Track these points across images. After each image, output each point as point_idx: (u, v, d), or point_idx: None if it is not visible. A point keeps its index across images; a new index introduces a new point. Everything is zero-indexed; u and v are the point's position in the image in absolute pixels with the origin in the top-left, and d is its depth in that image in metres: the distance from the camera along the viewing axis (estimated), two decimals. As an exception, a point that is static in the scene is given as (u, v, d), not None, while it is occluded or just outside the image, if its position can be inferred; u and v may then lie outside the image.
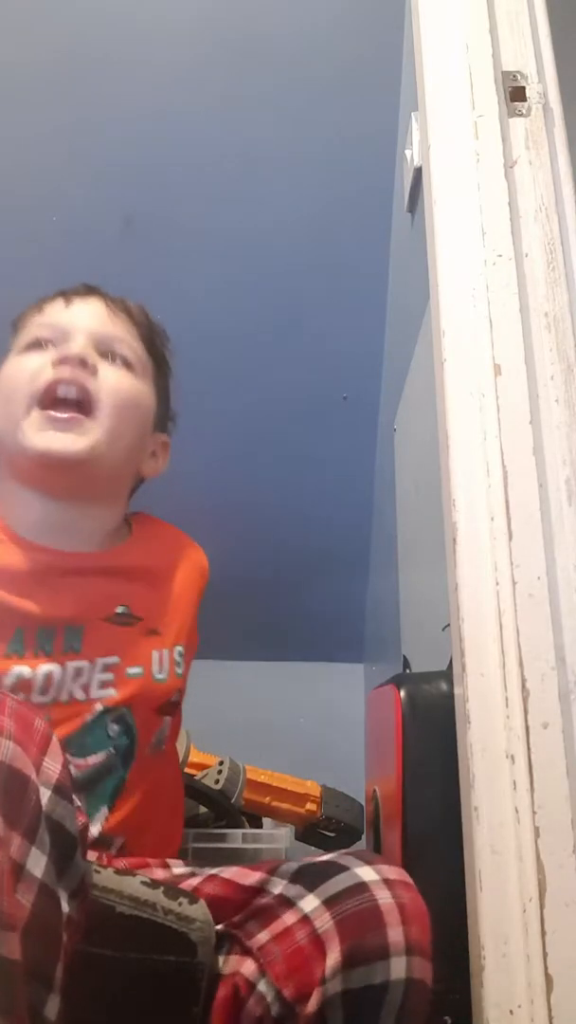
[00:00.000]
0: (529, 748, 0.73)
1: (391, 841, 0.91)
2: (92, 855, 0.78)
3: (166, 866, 0.81)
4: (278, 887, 0.69)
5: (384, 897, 0.63)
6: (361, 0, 1.51)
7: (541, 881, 0.69)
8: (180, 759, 1.23)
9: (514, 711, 0.74)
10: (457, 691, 0.80)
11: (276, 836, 1.29)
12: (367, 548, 1.95)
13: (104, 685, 0.84)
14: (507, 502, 0.81)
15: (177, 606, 0.95)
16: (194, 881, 0.76)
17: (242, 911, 0.70)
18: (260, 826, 1.36)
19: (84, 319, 0.90)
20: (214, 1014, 0.66)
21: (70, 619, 0.85)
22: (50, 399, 0.84)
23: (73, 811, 0.58)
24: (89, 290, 0.94)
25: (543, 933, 0.68)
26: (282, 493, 1.85)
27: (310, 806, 1.29)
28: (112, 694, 0.85)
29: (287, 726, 1.97)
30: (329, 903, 0.64)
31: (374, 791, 1.08)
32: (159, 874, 0.78)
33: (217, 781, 1.23)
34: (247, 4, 1.52)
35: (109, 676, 0.85)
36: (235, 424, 1.79)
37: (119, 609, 0.89)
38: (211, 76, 1.55)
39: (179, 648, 0.93)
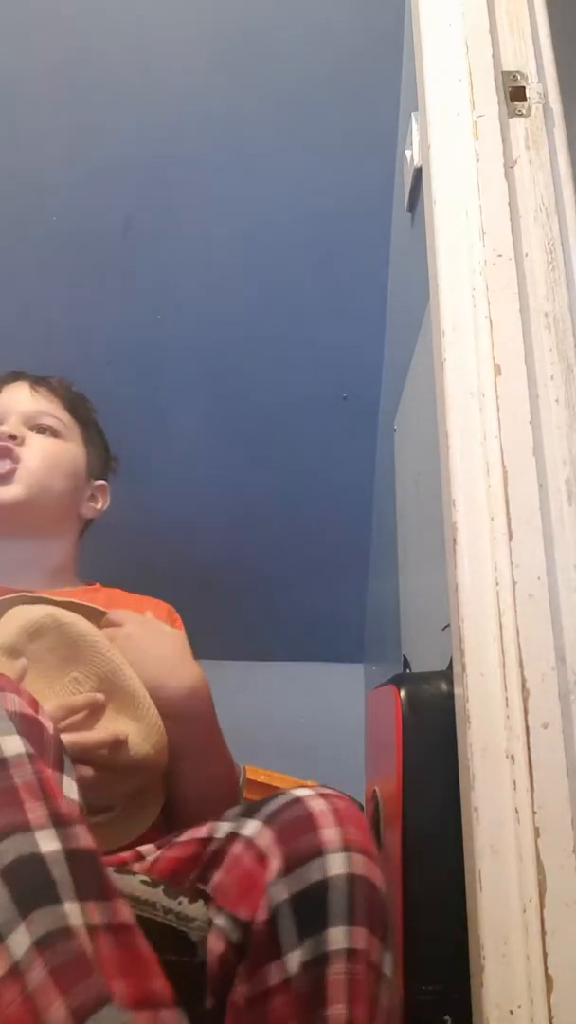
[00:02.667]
0: (529, 748, 0.73)
1: (391, 841, 0.91)
2: None
3: (141, 857, 0.82)
4: (225, 829, 0.71)
5: (318, 805, 0.66)
6: (361, 1, 1.51)
7: (541, 881, 0.69)
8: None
9: (514, 711, 0.74)
10: (457, 691, 0.80)
11: (276, 836, 1.29)
12: (367, 548, 1.95)
13: None
14: (507, 502, 0.81)
15: None
16: (157, 854, 0.77)
17: (200, 863, 0.72)
18: (260, 826, 1.36)
19: (14, 402, 1.18)
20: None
21: None
22: None
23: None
24: (15, 376, 1.22)
25: (543, 933, 0.68)
26: (282, 493, 1.85)
27: (310, 806, 1.29)
28: None
29: (287, 726, 1.96)
30: (268, 820, 0.67)
31: (374, 791, 1.08)
32: (136, 867, 0.79)
33: (217, 781, 1.23)
34: (247, 5, 1.53)
35: None
36: (235, 424, 1.79)
37: None
38: (211, 77, 1.55)
39: None
